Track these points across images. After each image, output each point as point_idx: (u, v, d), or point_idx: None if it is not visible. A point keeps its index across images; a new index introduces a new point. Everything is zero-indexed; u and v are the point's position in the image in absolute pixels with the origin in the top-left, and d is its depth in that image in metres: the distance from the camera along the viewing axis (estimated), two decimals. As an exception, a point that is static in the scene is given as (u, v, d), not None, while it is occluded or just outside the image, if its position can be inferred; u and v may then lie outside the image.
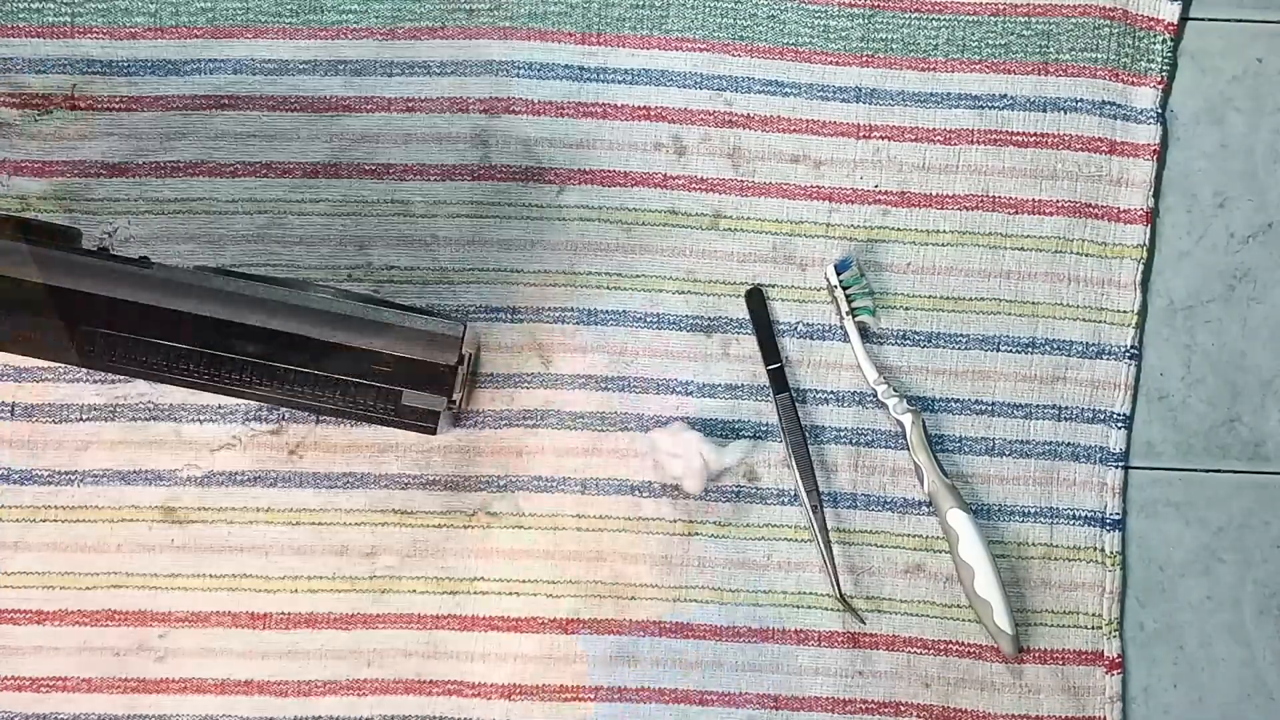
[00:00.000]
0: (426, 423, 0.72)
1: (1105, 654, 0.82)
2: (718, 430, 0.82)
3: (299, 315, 0.70)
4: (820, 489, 0.82)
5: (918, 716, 0.82)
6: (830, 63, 0.84)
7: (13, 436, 0.82)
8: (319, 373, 0.70)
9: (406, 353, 0.71)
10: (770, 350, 0.82)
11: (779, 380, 0.82)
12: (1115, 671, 0.82)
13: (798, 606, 0.82)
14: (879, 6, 0.84)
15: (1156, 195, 0.84)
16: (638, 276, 0.83)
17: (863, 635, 0.82)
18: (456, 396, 0.73)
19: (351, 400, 0.71)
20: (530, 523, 0.82)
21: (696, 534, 0.82)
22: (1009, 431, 0.83)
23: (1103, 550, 0.83)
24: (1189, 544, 0.84)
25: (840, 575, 0.82)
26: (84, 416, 0.82)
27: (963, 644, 0.82)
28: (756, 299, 0.82)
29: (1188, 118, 0.85)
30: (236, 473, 0.82)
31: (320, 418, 0.82)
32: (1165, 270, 0.85)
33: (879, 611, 0.82)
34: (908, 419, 0.82)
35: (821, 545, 0.81)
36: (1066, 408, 0.83)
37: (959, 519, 0.81)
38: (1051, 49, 0.84)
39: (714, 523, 0.82)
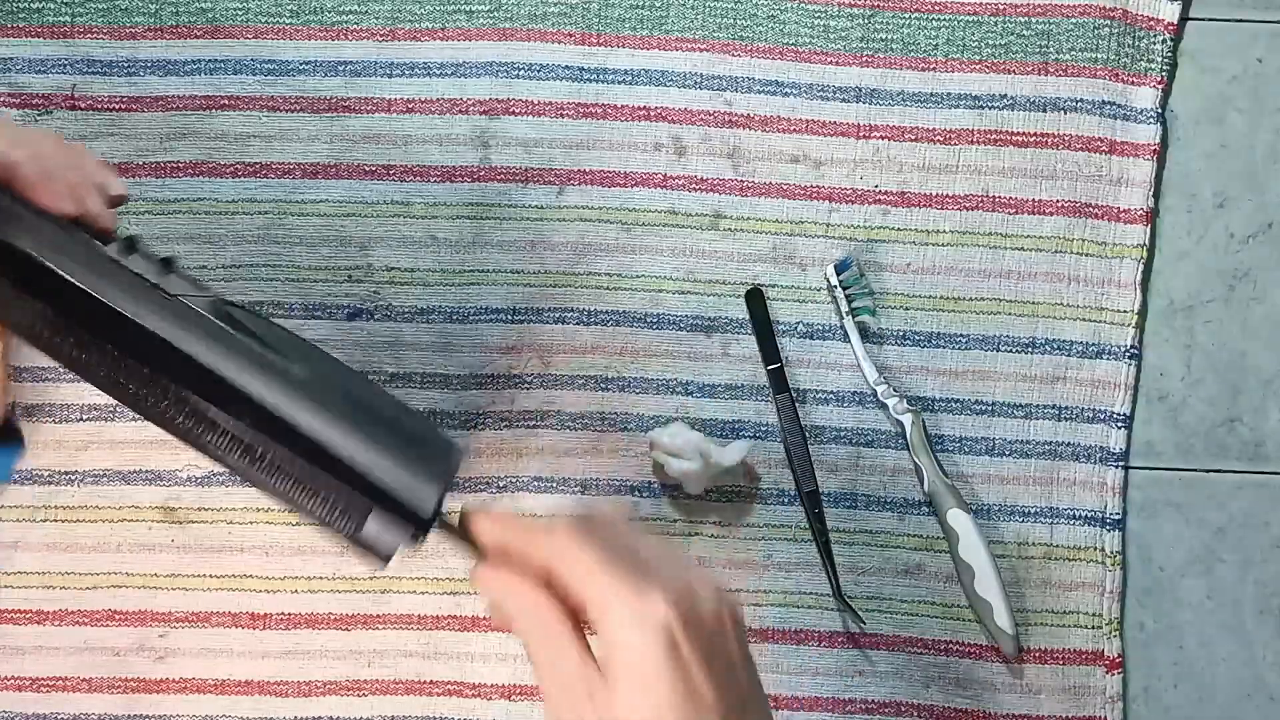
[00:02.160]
0: (379, 555, 0.61)
1: (1105, 654, 0.82)
2: (718, 430, 0.82)
3: (295, 399, 0.60)
4: (820, 489, 0.82)
5: (918, 716, 0.82)
6: (830, 63, 0.84)
7: (13, 436, 0.82)
8: (294, 467, 0.60)
9: (386, 486, 0.60)
10: (770, 350, 0.82)
11: (779, 380, 0.82)
12: (1115, 671, 0.82)
13: (798, 606, 0.82)
14: (879, 6, 0.84)
15: (1156, 195, 0.84)
16: (638, 276, 0.83)
17: (863, 635, 0.82)
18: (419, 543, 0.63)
19: (313, 500, 0.60)
20: (530, 523, 0.82)
21: (697, 534, 0.82)
22: (1009, 431, 0.83)
23: (1103, 550, 0.83)
24: (1189, 544, 0.84)
25: (840, 575, 0.82)
26: (84, 416, 0.82)
27: (963, 644, 0.82)
28: (756, 299, 0.83)
29: (1188, 118, 0.85)
30: (237, 473, 0.82)
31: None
32: (1165, 270, 0.85)
33: (879, 611, 0.82)
34: (907, 419, 0.82)
35: (820, 545, 0.81)
36: (1067, 408, 0.83)
37: (959, 519, 0.81)
38: (1051, 49, 0.84)
39: (714, 523, 0.82)
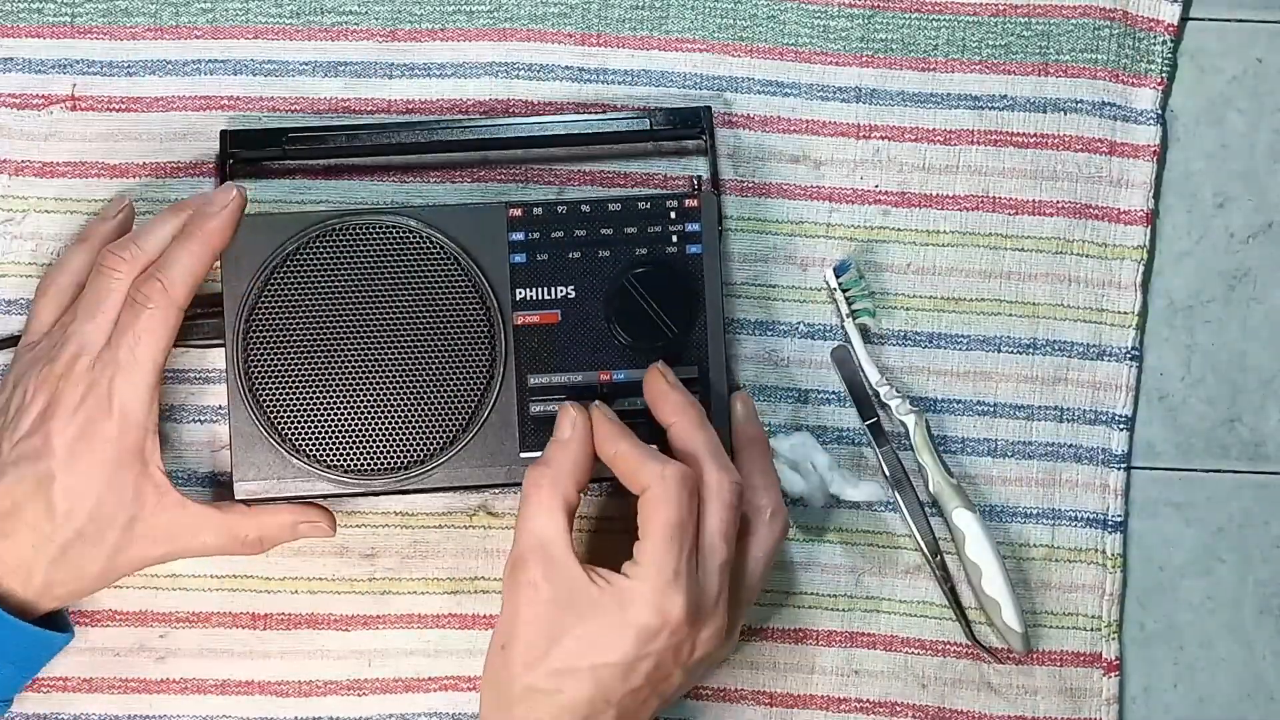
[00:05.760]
0: None
1: (1104, 656, 0.82)
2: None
3: None
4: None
5: (913, 716, 0.82)
6: (830, 63, 0.84)
7: (13, 436, 0.82)
8: None
9: None
10: (865, 406, 0.82)
11: (878, 434, 0.82)
12: (1113, 674, 0.82)
13: (796, 606, 0.82)
14: (879, 6, 0.84)
15: (1156, 196, 0.84)
16: (636, 276, 0.83)
17: (860, 634, 0.82)
18: None
19: None
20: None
21: (697, 535, 0.82)
22: (1011, 433, 0.83)
23: (1104, 552, 0.83)
24: (1189, 544, 0.84)
25: (839, 575, 0.82)
26: (84, 417, 0.82)
27: (961, 645, 0.82)
28: (841, 354, 0.82)
29: (1188, 118, 0.85)
30: (237, 473, 0.82)
31: None
32: (1165, 270, 0.84)
33: (878, 612, 0.82)
34: (910, 420, 0.81)
35: (946, 594, 0.81)
36: (1068, 409, 0.83)
37: (965, 518, 0.80)
38: (1051, 49, 0.84)
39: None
